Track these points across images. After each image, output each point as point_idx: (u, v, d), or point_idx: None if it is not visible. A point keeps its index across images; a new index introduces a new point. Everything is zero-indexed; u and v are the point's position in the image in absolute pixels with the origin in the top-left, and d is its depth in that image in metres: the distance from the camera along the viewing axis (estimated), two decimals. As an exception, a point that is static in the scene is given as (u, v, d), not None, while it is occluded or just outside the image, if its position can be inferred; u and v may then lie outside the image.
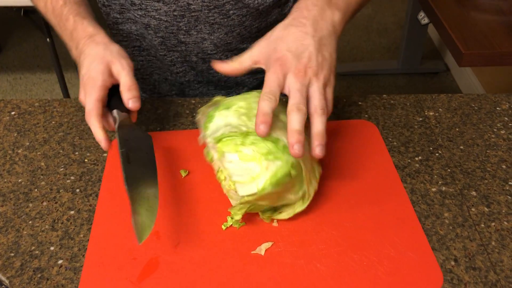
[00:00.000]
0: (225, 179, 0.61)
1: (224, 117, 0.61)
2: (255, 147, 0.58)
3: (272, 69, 0.60)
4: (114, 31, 0.89)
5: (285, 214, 0.62)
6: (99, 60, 0.66)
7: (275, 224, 0.62)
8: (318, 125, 0.58)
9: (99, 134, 0.63)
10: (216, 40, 0.86)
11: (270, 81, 0.59)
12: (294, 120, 0.56)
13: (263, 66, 0.63)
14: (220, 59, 0.88)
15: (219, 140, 0.61)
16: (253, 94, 0.63)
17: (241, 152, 0.59)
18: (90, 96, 0.65)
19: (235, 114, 0.61)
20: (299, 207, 0.61)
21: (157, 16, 0.82)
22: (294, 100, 0.58)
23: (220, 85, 0.96)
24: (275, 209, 0.63)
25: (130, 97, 0.65)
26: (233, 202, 0.63)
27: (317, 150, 0.57)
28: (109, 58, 0.67)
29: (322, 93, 0.60)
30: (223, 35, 0.85)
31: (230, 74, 0.66)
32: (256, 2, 0.82)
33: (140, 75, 0.96)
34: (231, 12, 0.82)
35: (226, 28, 0.84)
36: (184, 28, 0.83)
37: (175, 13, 0.81)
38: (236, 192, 0.59)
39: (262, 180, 0.57)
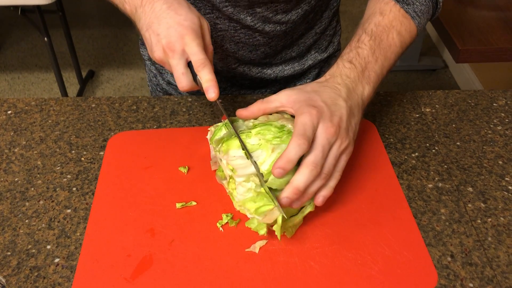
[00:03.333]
0: (232, 180, 0.61)
1: (229, 127, 0.63)
2: (261, 135, 0.59)
3: (308, 113, 0.57)
4: None
5: (295, 217, 0.60)
6: (195, 14, 0.63)
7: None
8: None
9: (213, 82, 0.60)
10: (240, 57, 0.86)
11: (307, 124, 0.56)
12: (302, 177, 0.55)
13: (290, 110, 0.61)
14: (243, 71, 0.89)
15: (225, 140, 0.61)
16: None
17: (247, 144, 0.59)
18: (198, 46, 0.61)
19: (240, 123, 0.63)
20: (308, 209, 0.60)
21: None
22: (315, 157, 0.56)
23: (245, 85, 0.95)
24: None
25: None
26: (236, 205, 0.63)
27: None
28: (199, 21, 0.64)
29: (336, 160, 0.59)
30: (247, 53, 0.85)
31: (254, 117, 0.63)
32: (283, 25, 0.82)
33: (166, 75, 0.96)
34: (257, 33, 0.82)
35: (251, 47, 0.85)
36: None
37: None
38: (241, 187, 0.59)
39: (269, 162, 0.57)
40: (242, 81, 0.93)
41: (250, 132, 0.60)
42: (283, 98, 0.61)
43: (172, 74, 0.89)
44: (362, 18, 0.76)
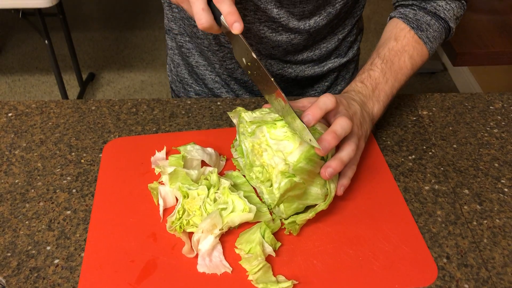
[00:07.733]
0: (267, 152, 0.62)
1: (249, 115, 0.66)
2: (288, 128, 0.60)
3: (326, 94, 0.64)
4: (179, 8, 0.89)
5: (306, 214, 0.61)
6: None
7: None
8: (344, 153, 0.62)
9: (236, 14, 0.57)
10: (262, 49, 0.88)
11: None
12: (338, 124, 0.60)
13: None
14: (265, 66, 0.90)
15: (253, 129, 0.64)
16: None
17: (273, 134, 0.61)
18: None
19: (260, 113, 0.66)
20: (321, 207, 0.61)
21: None
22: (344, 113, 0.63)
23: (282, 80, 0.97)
24: (298, 213, 0.62)
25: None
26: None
27: (327, 171, 0.59)
28: None
29: (357, 140, 0.64)
30: (269, 48, 0.87)
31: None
32: (307, 25, 0.84)
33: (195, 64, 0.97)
34: (280, 28, 0.84)
35: (273, 43, 0.86)
36: None
37: None
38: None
39: (297, 154, 0.58)
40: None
41: (275, 124, 0.61)
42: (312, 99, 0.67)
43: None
44: (378, 42, 0.81)
